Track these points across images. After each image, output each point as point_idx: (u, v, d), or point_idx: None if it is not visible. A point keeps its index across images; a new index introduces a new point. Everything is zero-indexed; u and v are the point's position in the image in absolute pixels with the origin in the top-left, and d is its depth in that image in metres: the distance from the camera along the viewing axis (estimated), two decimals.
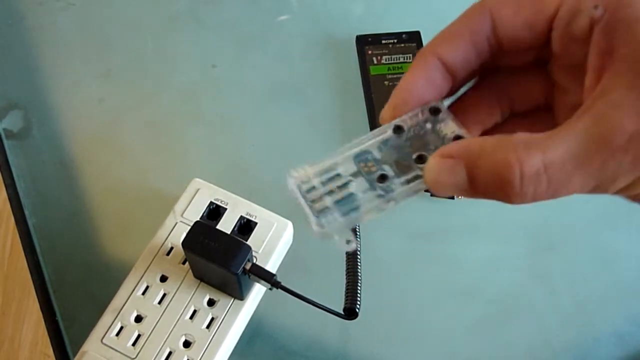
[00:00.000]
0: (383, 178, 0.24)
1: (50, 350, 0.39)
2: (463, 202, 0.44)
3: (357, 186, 0.25)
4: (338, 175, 0.25)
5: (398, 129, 0.25)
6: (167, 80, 0.49)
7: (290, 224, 0.39)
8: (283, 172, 0.46)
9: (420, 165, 0.24)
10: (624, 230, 0.44)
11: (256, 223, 0.39)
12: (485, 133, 0.26)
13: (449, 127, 0.25)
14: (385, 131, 0.25)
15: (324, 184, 0.25)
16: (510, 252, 0.43)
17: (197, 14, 0.52)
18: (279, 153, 0.46)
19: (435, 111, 0.25)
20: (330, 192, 0.25)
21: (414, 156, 0.25)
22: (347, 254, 0.39)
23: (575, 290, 0.42)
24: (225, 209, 0.39)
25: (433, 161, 0.22)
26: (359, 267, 0.38)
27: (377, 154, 0.25)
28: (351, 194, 0.24)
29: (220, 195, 0.40)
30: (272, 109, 0.48)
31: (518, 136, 0.21)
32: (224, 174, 0.45)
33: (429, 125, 0.25)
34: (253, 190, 0.41)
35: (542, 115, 0.26)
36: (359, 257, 0.39)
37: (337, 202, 0.24)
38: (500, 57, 0.25)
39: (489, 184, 0.21)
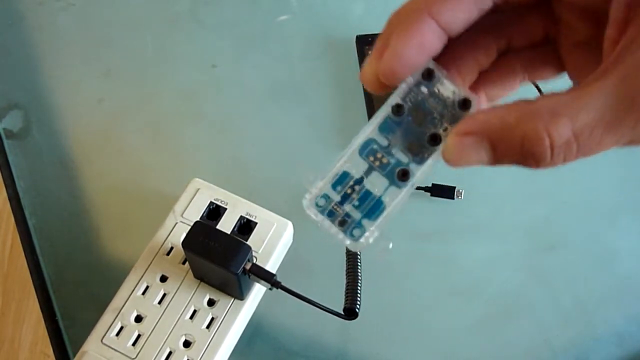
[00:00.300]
0: (405, 175, 0.23)
1: (50, 350, 0.39)
2: (463, 202, 0.44)
3: (375, 184, 0.23)
4: (352, 177, 0.24)
5: (398, 108, 0.23)
6: (167, 80, 0.49)
7: (290, 224, 0.39)
8: (283, 172, 0.46)
9: (436, 147, 0.23)
10: (624, 230, 0.44)
11: (256, 223, 0.39)
12: (482, 73, 0.25)
13: (447, 88, 0.23)
14: (384, 113, 0.24)
15: (340, 192, 0.23)
16: (510, 252, 0.43)
17: (197, 14, 0.52)
18: (279, 153, 0.46)
19: (429, 74, 0.23)
20: (351, 200, 0.23)
21: (426, 137, 0.23)
22: (348, 253, 0.39)
23: (575, 290, 0.42)
24: (225, 209, 0.39)
25: (453, 141, 0.21)
26: (359, 267, 0.38)
27: (382, 141, 0.24)
28: (372, 196, 0.23)
29: (220, 195, 0.40)
30: (272, 109, 0.48)
31: (542, 103, 0.20)
32: (224, 174, 0.45)
33: (425, 90, 0.23)
34: (253, 190, 0.41)
35: (541, 49, 0.25)
36: (359, 257, 0.39)
37: (361, 209, 0.23)
38: None
39: (516, 156, 0.20)
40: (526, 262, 0.42)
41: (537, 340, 0.40)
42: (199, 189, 0.40)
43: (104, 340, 0.36)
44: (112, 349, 0.36)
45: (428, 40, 0.22)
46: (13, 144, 0.46)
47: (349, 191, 0.23)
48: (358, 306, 0.37)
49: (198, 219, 0.39)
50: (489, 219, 0.44)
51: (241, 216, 0.39)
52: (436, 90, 0.23)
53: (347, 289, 0.38)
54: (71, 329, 0.40)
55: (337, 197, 0.24)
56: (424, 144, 0.23)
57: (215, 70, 0.49)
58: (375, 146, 0.24)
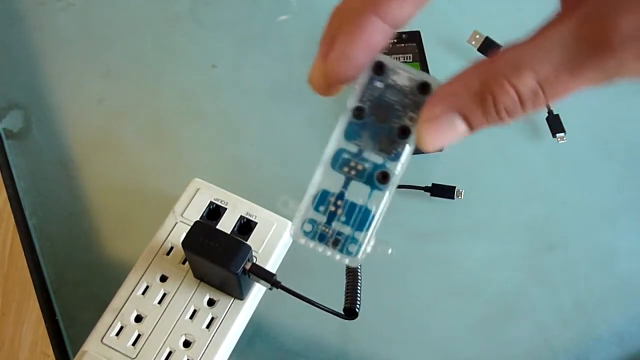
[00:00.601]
0: (384, 177, 0.23)
1: (50, 350, 0.39)
2: (463, 202, 0.44)
3: (357, 194, 0.23)
4: (332, 194, 0.23)
5: (358, 111, 0.23)
6: (167, 80, 0.49)
7: (290, 224, 0.39)
8: (283, 172, 0.46)
9: (407, 140, 0.22)
10: (624, 230, 0.44)
11: (256, 223, 0.39)
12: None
13: (402, 76, 0.22)
14: (345, 119, 0.23)
15: (325, 213, 0.23)
16: (510, 252, 0.43)
17: (197, 14, 0.52)
18: (279, 153, 0.46)
19: (380, 67, 0.22)
20: (338, 217, 0.23)
21: (395, 131, 0.22)
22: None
23: (575, 290, 0.42)
24: (225, 209, 0.39)
25: (424, 127, 0.21)
26: (359, 267, 0.38)
27: (352, 148, 0.23)
28: (357, 207, 0.23)
29: (220, 195, 0.40)
30: (272, 109, 0.48)
31: (503, 59, 0.20)
32: (224, 174, 0.45)
33: (380, 85, 0.23)
34: (253, 190, 0.41)
35: None
36: None
37: (350, 223, 0.23)
38: None
39: (489, 118, 0.20)
40: (526, 262, 0.42)
41: (537, 340, 0.40)
42: (199, 189, 0.40)
43: (104, 340, 0.36)
44: (112, 348, 0.36)
45: (375, 39, 0.21)
46: (13, 144, 0.46)
47: (332, 209, 0.23)
48: (358, 306, 0.37)
49: (198, 218, 0.39)
50: (489, 219, 0.44)
51: (241, 216, 0.39)
52: (391, 82, 0.23)
53: (347, 289, 0.38)
54: (71, 329, 0.40)
55: (322, 219, 0.23)
56: (394, 139, 0.23)
57: (215, 70, 0.49)
58: (346, 156, 0.23)
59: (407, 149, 0.23)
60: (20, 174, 0.45)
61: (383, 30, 0.21)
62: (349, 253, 0.23)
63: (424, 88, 0.23)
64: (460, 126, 0.21)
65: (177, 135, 0.47)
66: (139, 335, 0.36)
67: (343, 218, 0.23)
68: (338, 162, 0.23)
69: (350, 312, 0.37)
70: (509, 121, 0.20)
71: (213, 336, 0.36)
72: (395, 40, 0.49)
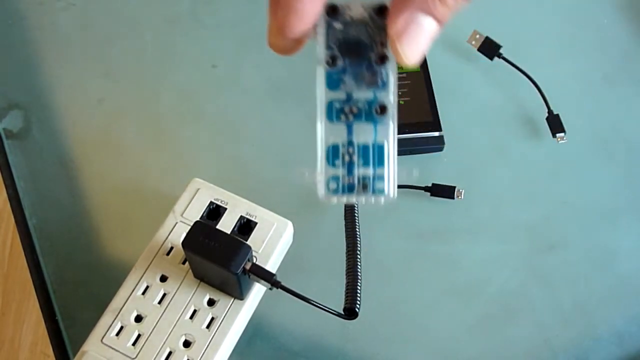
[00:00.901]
0: (382, 108, 0.23)
1: (50, 350, 0.39)
2: (463, 202, 0.44)
3: (364, 134, 0.23)
4: (341, 145, 0.23)
5: (331, 59, 0.23)
6: (167, 80, 0.49)
7: (290, 224, 0.39)
8: (283, 172, 0.46)
9: (387, 64, 0.23)
10: (624, 230, 0.44)
11: (256, 223, 0.39)
12: None
13: (357, 8, 0.22)
14: (322, 71, 0.23)
15: (342, 165, 0.23)
16: (510, 252, 0.43)
17: (197, 14, 0.52)
18: (279, 153, 0.46)
19: (333, 10, 0.23)
20: (355, 164, 0.23)
21: (374, 62, 0.22)
22: (347, 253, 0.39)
23: (575, 290, 0.42)
24: (225, 208, 0.39)
25: (399, 44, 0.21)
26: (359, 266, 0.38)
27: (341, 96, 0.23)
28: (369, 147, 0.23)
29: (220, 195, 0.40)
30: (272, 109, 0.48)
31: None
32: (224, 174, 0.45)
33: (339, 25, 0.23)
34: (253, 190, 0.41)
35: None
36: (358, 256, 0.39)
37: (369, 163, 0.23)
38: None
39: (449, 2, 0.21)
40: (526, 262, 0.42)
41: (537, 340, 0.40)
42: (199, 189, 0.40)
43: (104, 340, 0.36)
44: (112, 348, 0.36)
45: None
46: (13, 144, 0.46)
47: (347, 158, 0.23)
48: (358, 306, 0.37)
49: (198, 218, 0.39)
50: (489, 219, 0.44)
51: (241, 216, 0.39)
52: (349, 18, 0.23)
53: (347, 289, 0.38)
54: (71, 329, 0.40)
55: (343, 171, 0.23)
56: (375, 70, 0.23)
57: (215, 70, 0.49)
58: (338, 105, 0.23)
59: (391, 73, 0.23)
60: (20, 174, 0.45)
61: None
62: (381, 192, 0.23)
63: (381, 10, 0.23)
64: (429, 24, 0.21)
65: (177, 135, 0.47)
66: (139, 335, 0.36)
67: (361, 162, 0.23)
68: (333, 113, 0.23)
69: (350, 312, 0.37)
70: None
71: (213, 336, 0.36)
72: None
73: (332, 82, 0.23)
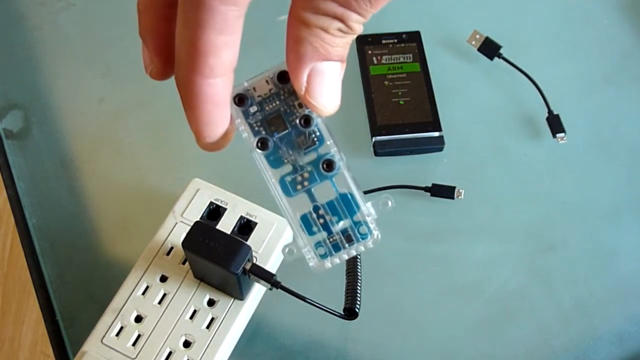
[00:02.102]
0: (328, 163, 0.23)
1: (50, 351, 0.39)
2: (463, 202, 0.44)
3: (325, 192, 0.23)
4: (309, 212, 0.23)
5: (261, 143, 0.23)
6: (167, 80, 0.49)
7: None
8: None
9: (312, 124, 0.23)
10: (624, 230, 0.44)
11: (256, 223, 0.39)
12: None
13: (261, 83, 0.23)
14: (258, 155, 0.23)
15: (320, 229, 0.23)
16: (510, 252, 0.43)
17: None
18: None
19: (240, 99, 0.23)
20: (331, 222, 0.23)
21: (299, 126, 0.23)
22: None
23: (575, 290, 0.42)
24: (225, 209, 0.39)
25: (312, 100, 0.21)
26: (359, 267, 0.38)
27: (287, 169, 0.23)
28: (335, 201, 0.23)
29: (220, 195, 0.40)
30: None
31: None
32: (224, 174, 0.45)
33: (254, 108, 0.23)
34: (253, 191, 0.41)
35: None
36: (358, 257, 0.39)
37: (343, 215, 0.23)
38: None
39: (336, 41, 0.21)
40: (526, 262, 0.42)
41: (537, 340, 0.40)
42: (199, 189, 0.40)
43: (103, 341, 0.36)
44: (112, 349, 0.36)
45: (218, 95, 0.22)
46: (13, 144, 0.46)
47: (321, 221, 0.23)
48: (358, 306, 0.37)
49: (198, 219, 0.39)
50: (489, 219, 0.44)
51: (241, 216, 0.39)
52: (259, 98, 0.23)
53: (347, 289, 0.38)
54: (71, 329, 0.40)
55: (323, 234, 0.23)
56: (304, 131, 0.23)
57: None
58: (289, 178, 0.23)
59: (322, 125, 0.23)
60: (20, 174, 0.45)
61: (219, 83, 0.22)
62: (365, 236, 0.23)
63: (282, 77, 0.23)
64: (331, 68, 0.21)
65: (177, 135, 0.47)
66: (139, 336, 0.36)
67: (335, 218, 0.23)
68: (289, 188, 0.24)
69: (350, 312, 0.37)
70: (362, 17, 0.21)
71: (213, 336, 0.36)
72: (395, 41, 0.49)
73: (274, 162, 0.23)
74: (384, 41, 0.49)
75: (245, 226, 0.39)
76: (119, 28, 0.51)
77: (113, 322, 0.36)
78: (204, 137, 0.22)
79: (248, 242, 0.38)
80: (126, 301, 0.37)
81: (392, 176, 0.44)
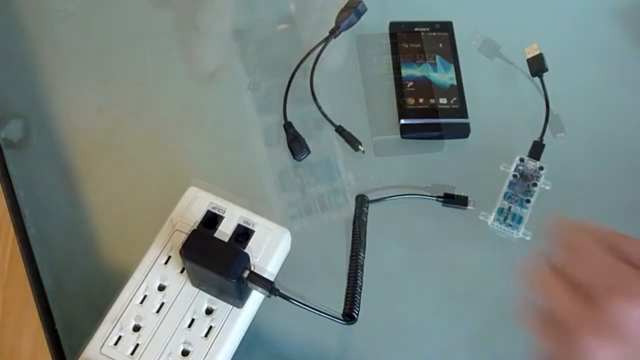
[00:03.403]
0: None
1: None
2: (462, 209, 0.43)
3: None
4: None
5: None
6: (166, 89, 0.49)
7: (287, 232, 0.39)
8: (282, 178, 0.46)
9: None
10: (624, 230, 0.44)
11: (253, 231, 0.39)
12: None
13: None
14: None
15: None
16: (511, 258, 0.43)
17: (197, 23, 0.52)
18: (278, 159, 0.46)
19: None
20: None
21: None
22: (351, 258, 0.39)
23: None
24: (223, 216, 0.39)
25: None
26: (360, 273, 0.38)
27: None
28: None
29: (218, 203, 0.40)
30: (271, 114, 0.48)
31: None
32: (221, 182, 0.45)
33: None
34: (250, 198, 0.41)
35: None
36: (361, 262, 0.39)
37: None
38: None
39: None
40: (526, 267, 0.42)
41: (537, 347, 0.40)
42: (196, 197, 0.40)
43: (102, 350, 0.36)
44: (111, 358, 0.35)
45: None
46: (13, 153, 0.46)
47: None
48: (356, 311, 0.37)
49: (195, 227, 0.39)
50: (489, 225, 0.44)
51: (239, 224, 0.39)
52: None
53: (346, 294, 0.38)
54: (70, 338, 0.40)
55: None
56: None
57: (213, 78, 0.50)
58: None
59: None
60: (20, 184, 0.45)
61: None
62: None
63: None
64: None
65: (175, 143, 0.47)
66: (137, 345, 0.36)
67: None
68: None
69: (348, 317, 0.37)
70: None
71: (211, 345, 0.36)
72: (427, 29, 0.50)
73: None
74: (416, 29, 0.50)
75: (243, 234, 0.39)
76: (118, 37, 0.51)
77: (111, 331, 0.36)
78: None
79: (246, 250, 0.38)
80: (124, 310, 0.37)
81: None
